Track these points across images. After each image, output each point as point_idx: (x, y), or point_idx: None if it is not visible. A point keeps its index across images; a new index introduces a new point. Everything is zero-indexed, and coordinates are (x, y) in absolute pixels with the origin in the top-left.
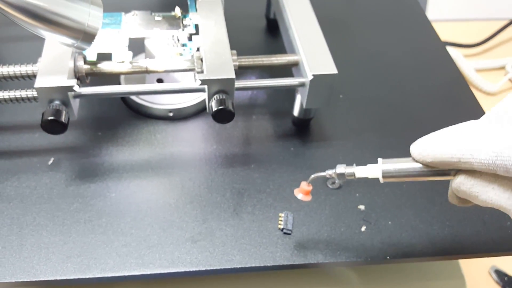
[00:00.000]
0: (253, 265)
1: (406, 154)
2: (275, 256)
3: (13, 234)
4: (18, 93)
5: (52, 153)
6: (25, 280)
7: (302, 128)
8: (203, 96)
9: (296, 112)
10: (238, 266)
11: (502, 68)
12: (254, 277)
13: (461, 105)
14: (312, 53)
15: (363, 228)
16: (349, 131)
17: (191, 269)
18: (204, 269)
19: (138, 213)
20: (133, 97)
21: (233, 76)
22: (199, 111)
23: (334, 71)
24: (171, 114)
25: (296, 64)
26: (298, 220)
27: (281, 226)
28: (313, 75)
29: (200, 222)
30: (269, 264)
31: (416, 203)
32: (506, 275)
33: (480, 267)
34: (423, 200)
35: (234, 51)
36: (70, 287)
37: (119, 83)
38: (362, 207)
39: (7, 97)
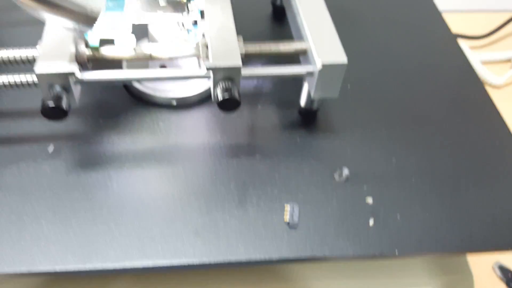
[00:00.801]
0: (258, 258)
1: (415, 145)
2: (281, 249)
3: (12, 223)
4: (17, 78)
5: (52, 140)
6: (24, 271)
7: (309, 119)
8: (208, 84)
9: (303, 102)
10: (243, 259)
11: (508, 60)
12: (258, 270)
13: (472, 99)
14: (321, 41)
15: (371, 222)
16: (357, 123)
17: (195, 262)
18: (208, 261)
19: (140, 203)
20: (136, 85)
21: (240, 63)
22: (203, 99)
23: (344, 60)
24: (174, 103)
25: (304, 52)
26: (305, 213)
27: (287, 219)
28: (322, 64)
29: (204, 213)
30: (274, 257)
31: (425, 197)
32: (510, 271)
33: (484, 263)
34: (432, 194)
35: (241, 37)
36: (70, 279)
37: None
38: (370, 200)
39: (6, 82)
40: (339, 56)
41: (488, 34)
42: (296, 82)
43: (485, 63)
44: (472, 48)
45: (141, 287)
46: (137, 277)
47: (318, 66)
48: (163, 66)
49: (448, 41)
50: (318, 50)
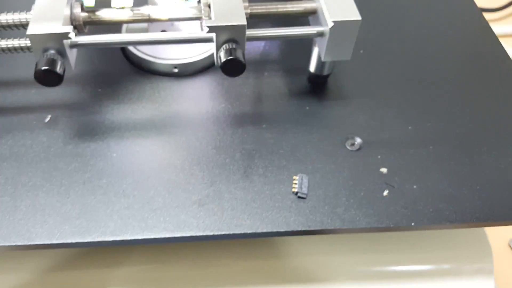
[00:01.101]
0: (265, 230)
1: (432, 112)
2: (289, 221)
3: (7, 195)
4: (10, 42)
5: (49, 110)
6: (20, 244)
7: (319, 86)
8: (211, 50)
9: (312, 67)
10: (248, 232)
11: None
12: (262, 243)
13: (490, 62)
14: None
15: (385, 192)
16: (370, 89)
17: (198, 234)
18: (211, 233)
19: (141, 174)
20: (136, 51)
21: (244, 22)
22: (206, 67)
23: (358, 17)
24: (176, 70)
25: (313, 12)
26: (314, 183)
27: (295, 190)
28: (333, 21)
29: (208, 184)
30: (282, 230)
31: (444, 165)
32: None
33: (500, 238)
34: (451, 162)
35: None
36: (68, 251)
37: None
38: (384, 170)
39: (0, 47)
40: (351, 13)
41: (505, 7)
42: (305, 47)
43: (501, 36)
44: (489, 21)
45: (157, 261)
46: (139, 248)
47: (330, 23)
48: (163, 31)
49: (466, 4)
50: (329, 8)
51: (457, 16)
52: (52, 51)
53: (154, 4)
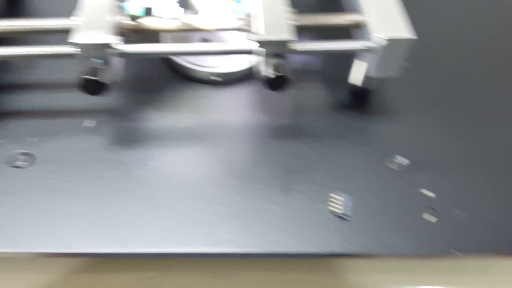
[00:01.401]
0: (306, 251)
1: (482, 132)
2: (330, 243)
3: (47, 201)
4: (54, 49)
5: (91, 115)
6: (58, 251)
7: (362, 100)
8: (253, 59)
9: (355, 81)
10: (290, 251)
11: None
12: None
13: None
14: (383, 13)
15: (431, 218)
16: (417, 106)
17: (238, 251)
18: (252, 251)
19: (178, 185)
20: (176, 59)
21: (294, 37)
22: (247, 76)
23: (412, 35)
24: (217, 79)
25: (358, 26)
26: (355, 204)
27: (337, 210)
28: (387, 39)
29: (246, 199)
30: (323, 251)
31: (493, 192)
32: None
33: None
34: (500, 188)
35: (295, 10)
36: (105, 261)
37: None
38: (431, 194)
39: (43, 53)
40: (405, 30)
41: None
42: (348, 58)
43: None
44: None
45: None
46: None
47: (382, 41)
48: (204, 39)
49: None
50: (381, 23)
51: None
52: (97, 60)
53: (196, 12)
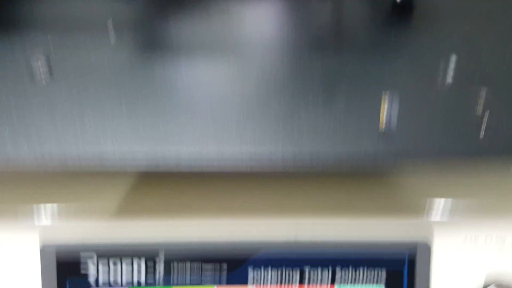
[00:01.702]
0: (350, 164)
1: None
2: (376, 154)
3: (74, 112)
4: None
5: (115, 23)
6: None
7: (408, 6)
8: None
9: None
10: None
11: None
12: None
13: None
14: None
15: (482, 126)
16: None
17: (277, 166)
18: (293, 165)
19: (214, 95)
20: None
21: None
22: None
23: None
24: None
25: None
26: (402, 114)
27: (383, 118)
28: None
29: (285, 110)
30: (367, 164)
31: None
32: None
33: None
34: None
35: None
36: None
37: None
38: (483, 100)
39: None
40: None
41: None
42: None
43: None
44: None
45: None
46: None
47: None
48: None
49: None
50: None
51: None
52: None
53: None
